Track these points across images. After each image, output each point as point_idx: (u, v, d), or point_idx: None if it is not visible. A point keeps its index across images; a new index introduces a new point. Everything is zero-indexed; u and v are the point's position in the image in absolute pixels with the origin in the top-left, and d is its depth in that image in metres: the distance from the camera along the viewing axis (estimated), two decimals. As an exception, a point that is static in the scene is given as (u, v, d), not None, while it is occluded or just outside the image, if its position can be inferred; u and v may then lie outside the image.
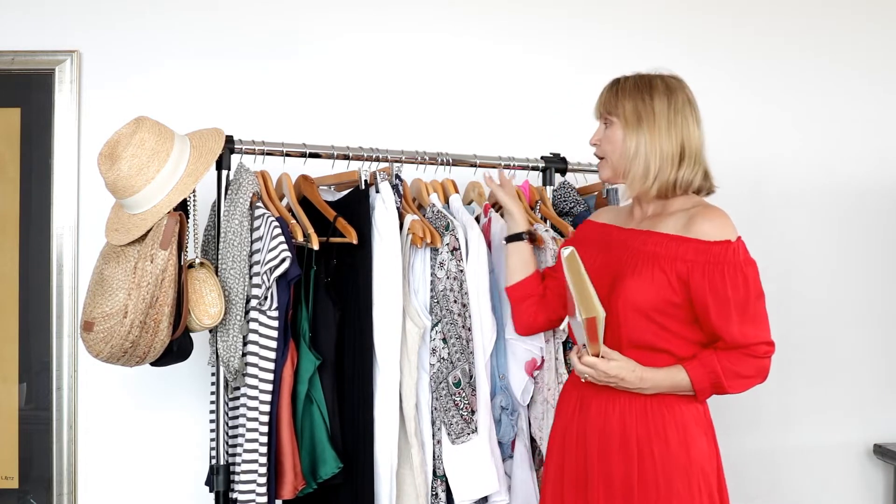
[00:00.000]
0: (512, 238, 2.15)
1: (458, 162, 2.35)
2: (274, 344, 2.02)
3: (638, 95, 1.85)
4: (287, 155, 2.21)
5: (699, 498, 1.78)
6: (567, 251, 1.76)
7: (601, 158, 1.93)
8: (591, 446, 1.83)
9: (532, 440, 2.26)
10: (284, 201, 2.25)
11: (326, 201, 2.26)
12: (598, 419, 1.83)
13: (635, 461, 1.78)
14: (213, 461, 2.15)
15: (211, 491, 2.16)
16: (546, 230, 2.28)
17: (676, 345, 1.80)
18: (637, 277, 1.79)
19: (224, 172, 2.13)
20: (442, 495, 2.13)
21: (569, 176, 2.53)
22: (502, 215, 2.38)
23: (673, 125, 1.83)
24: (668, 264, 1.77)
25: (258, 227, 2.04)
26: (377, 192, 2.14)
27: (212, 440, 2.17)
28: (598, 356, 1.76)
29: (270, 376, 2.03)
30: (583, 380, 1.83)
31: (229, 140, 2.13)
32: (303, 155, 2.23)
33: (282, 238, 1.99)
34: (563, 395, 1.99)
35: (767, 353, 1.78)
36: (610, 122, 1.89)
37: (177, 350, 2.06)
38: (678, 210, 1.85)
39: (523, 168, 2.44)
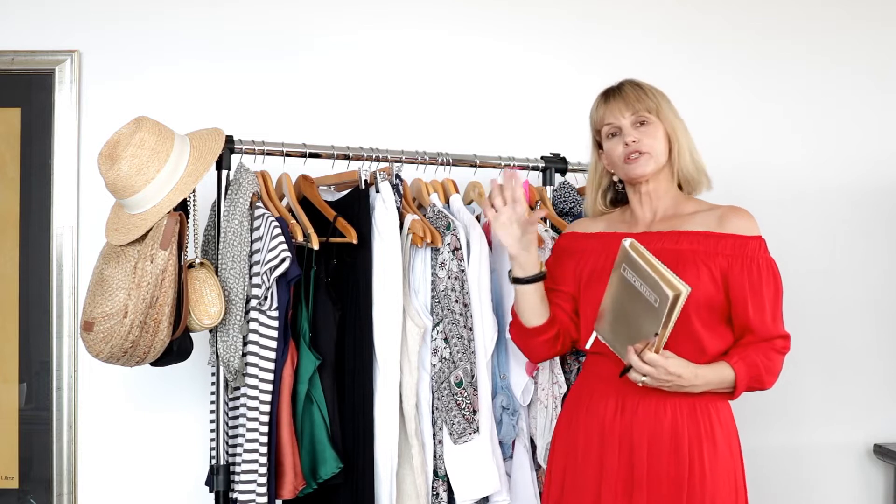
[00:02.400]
0: (530, 280, 1.98)
1: (458, 162, 2.35)
2: (274, 344, 2.02)
3: (661, 95, 1.93)
4: (287, 155, 2.21)
5: (742, 496, 1.82)
6: (628, 241, 1.70)
7: (641, 154, 1.87)
8: (638, 449, 1.80)
9: (531, 440, 2.26)
10: (284, 201, 2.25)
11: (326, 201, 2.26)
12: (647, 421, 1.80)
13: (686, 462, 1.77)
14: (213, 461, 2.15)
15: (211, 491, 2.16)
16: (546, 230, 2.28)
17: (715, 343, 1.82)
18: (684, 272, 1.77)
19: (224, 172, 2.13)
20: (443, 495, 2.13)
21: (569, 176, 2.53)
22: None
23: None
24: (710, 259, 1.81)
25: (258, 227, 2.04)
26: (377, 191, 2.14)
27: (212, 440, 2.17)
28: (657, 353, 1.70)
29: (270, 376, 2.03)
30: (639, 384, 1.76)
31: (229, 140, 2.13)
32: (303, 155, 2.23)
33: (282, 238, 1.99)
34: (589, 398, 1.91)
35: (785, 347, 1.84)
36: (647, 119, 1.88)
37: (177, 350, 2.06)
38: (698, 211, 1.89)
39: (523, 168, 2.43)
